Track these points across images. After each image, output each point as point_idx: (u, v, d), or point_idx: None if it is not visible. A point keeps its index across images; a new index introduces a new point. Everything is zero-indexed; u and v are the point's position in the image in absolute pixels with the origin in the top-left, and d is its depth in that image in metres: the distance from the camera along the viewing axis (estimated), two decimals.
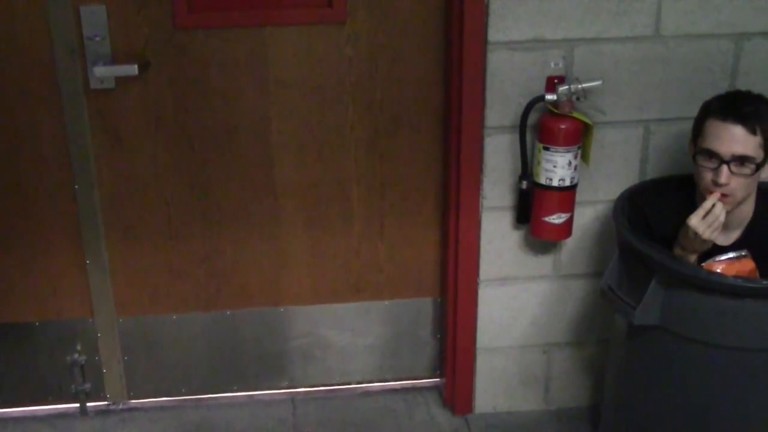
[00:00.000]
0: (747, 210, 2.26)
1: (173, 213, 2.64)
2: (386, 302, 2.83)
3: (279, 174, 2.62)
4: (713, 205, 2.13)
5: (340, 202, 2.68)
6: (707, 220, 2.13)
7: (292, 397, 2.91)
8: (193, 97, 2.51)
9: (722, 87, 2.43)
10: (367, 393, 2.93)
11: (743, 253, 2.18)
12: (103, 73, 2.42)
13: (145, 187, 2.60)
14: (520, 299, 2.71)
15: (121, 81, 2.47)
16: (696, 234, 2.13)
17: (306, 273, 2.75)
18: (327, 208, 2.68)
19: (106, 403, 2.86)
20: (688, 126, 2.28)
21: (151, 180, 2.59)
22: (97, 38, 2.41)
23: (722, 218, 2.13)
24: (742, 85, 2.44)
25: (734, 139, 2.12)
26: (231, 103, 2.53)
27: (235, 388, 2.89)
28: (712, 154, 2.15)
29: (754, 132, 2.12)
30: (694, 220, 2.14)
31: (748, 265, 2.15)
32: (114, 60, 2.43)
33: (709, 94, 2.26)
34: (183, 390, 2.87)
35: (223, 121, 2.54)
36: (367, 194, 2.67)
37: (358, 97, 2.56)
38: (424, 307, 2.85)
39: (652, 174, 2.58)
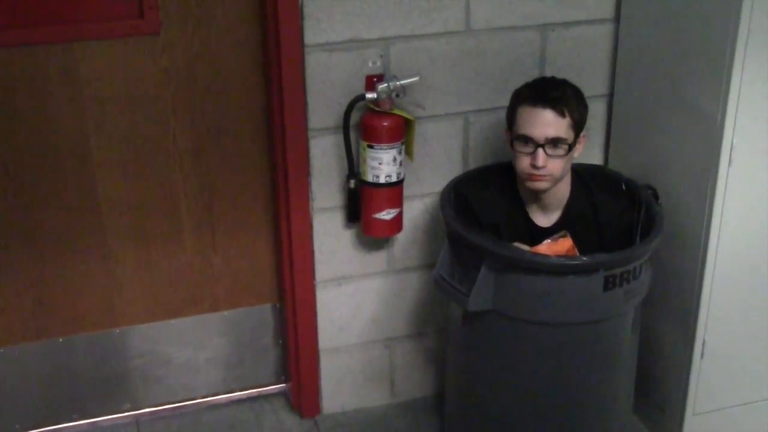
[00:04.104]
0: (564, 191, 2.37)
1: None
2: (225, 313, 2.79)
3: (103, 192, 2.54)
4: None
5: (169, 216, 2.63)
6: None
7: (137, 419, 2.83)
8: (1, 119, 2.40)
9: (533, 75, 2.52)
10: (214, 406, 2.89)
11: (562, 233, 2.28)
12: None
13: None
14: (358, 297, 2.74)
15: None
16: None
17: (139, 291, 2.69)
18: (156, 223, 2.62)
19: None
20: (504, 115, 2.36)
21: None
22: None
23: None
24: (550, 72, 2.55)
25: (546, 122, 2.22)
26: (45, 123, 2.43)
27: (75, 416, 2.78)
28: (527, 139, 2.24)
29: (563, 114, 2.22)
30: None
31: (566, 244, 2.25)
32: None
33: (521, 82, 2.35)
34: (17, 426, 2.73)
35: (37, 142, 2.44)
36: (196, 206, 2.63)
37: (178, 108, 2.51)
38: (263, 314, 2.84)
39: (474, 163, 2.66)
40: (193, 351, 2.82)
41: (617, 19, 2.63)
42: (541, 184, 2.27)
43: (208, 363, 2.85)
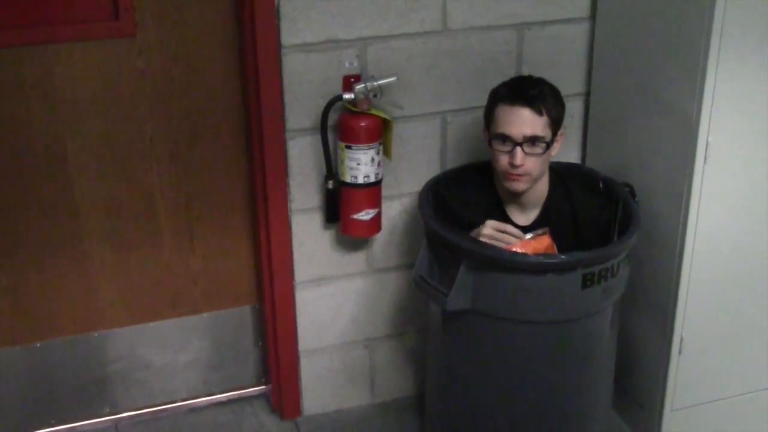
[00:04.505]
0: (542, 189, 2.38)
1: None
2: (204, 315, 2.79)
3: (80, 195, 2.53)
4: (512, 234, 2.24)
5: (147, 219, 2.61)
6: (497, 235, 2.23)
7: (116, 424, 2.81)
8: None
9: (510, 74, 2.53)
10: (194, 409, 2.88)
11: (541, 231, 2.29)
12: None
13: None
14: (338, 297, 2.73)
15: None
16: (478, 233, 2.25)
17: (118, 294, 2.67)
18: (134, 226, 2.61)
19: None
20: (482, 114, 2.37)
21: None
22: None
23: (509, 243, 2.23)
24: (527, 71, 2.56)
25: (523, 121, 2.23)
26: (20, 127, 2.41)
27: (54, 422, 2.76)
28: (505, 138, 2.25)
29: (540, 113, 2.23)
30: (488, 229, 2.24)
31: (545, 242, 2.26)
32: None
33: (498, 82, 2.36)
34: None
35: (13, 146, 2.42)
36: (174, 208, 2.62)
37: (155, 111, 2.50)
38: (243, 315, 2.83)
39: (452, 163, 2.67)
40: (173, 354, 2.81)
41: (593, 17, 2.65)
42: (519, 185, 2.28)
43: (188, 366, 2.84)
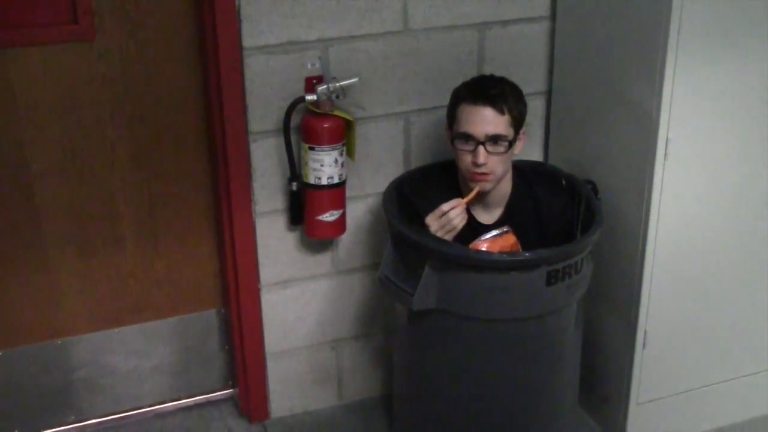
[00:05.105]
0: (506, 187, 2.39)
1: None
2: (170, 320, 2.77)
3: (41, 201, 2.50)
4: (451, 209, 2.24)
5: (110, 224, 2.59)
6: (441, 222, 2.24)
7: (81, 431, 2.79)
8: None
9: (472, 74, 2.54)
10: (161, 415, 2.86)
11: (505, 229, 2.30)
12: None
13: None
14: (304, 299, 2.73)
15: None
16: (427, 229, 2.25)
17: (81, 300, 2.65)
18: (96, 231, 2.59)
19: None
20: (445, 113, 2.38)
21: None
22: None
23: (456, 223, 2.24)
24: (489, 70, 2.58)
25: (485, 120, 2.24)
26: None
27: (18, 431, 2.73)
28: (467, 137, 2.26)
29: (502, 112, 2.25)
30: (429, 218, 2.24)
31: (509, 240, 2.27)
32: None
33: (460, 81, 2.38)
34: None
35: None
36: (137, 212, 2.60)
37: (116, 115, 2.48)
38: (208, 319, 2.82)
39: (415, 163, 2.67)
40: (138, 359, 2.79)
41: (553, 17, 2.67)
42: (483, 185, 2.29)
43: (154, 371, 2.82)
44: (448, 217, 2.24)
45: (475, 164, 2.26)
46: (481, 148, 2.25)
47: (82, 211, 2.55)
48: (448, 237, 2.25)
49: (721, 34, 2.25)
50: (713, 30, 2.24)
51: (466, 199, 2.28)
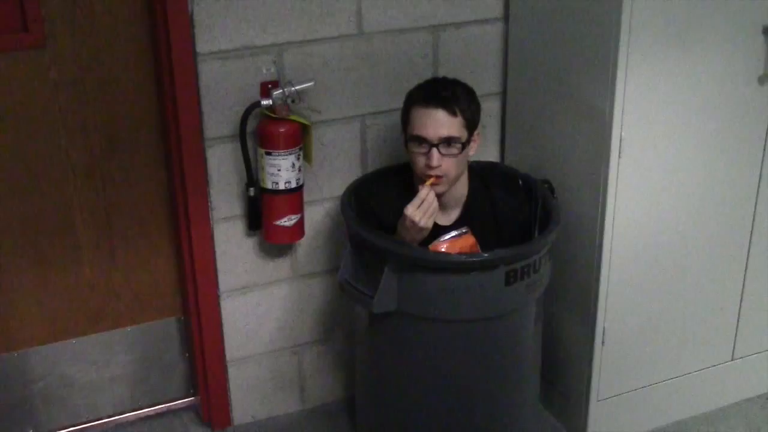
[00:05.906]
0: (462, 189, 2.40)
1: None
2: (128, 329, 2.74)
3: None
4: (427, 194, 2.25)
5: (65, 233, 2.56)
6: (422, 208, 2.24)
7: None
8: None
9: (426, 76, 2.55)
10: (121, 425, 2.83)
11: (464, 230, 2.32)
12: None
13: None
14: (264, 305, 2.72)
15: None
16: (413, 222, 2.23)
17: (37, 311, 2.61)
18: (51, 241, 2.55)
19: None
20: (400, 116, 2.38)
21: None
22: None
23: (435, 205, 2.25)
24: (443, 72, 2.58)
25: (438, 122, 2.25)
26: None
27: None
28: (421, 140, 2.27)
29: (454, 114, 2.26)
30: (411, 209, 2.24)
31: (468, 241, 2.29)
32: None
33: (415, 84, 2.38)
34: None
35: None
36: (93, 221, 2.57)
37: (69, 122, 2.46)
38: (168, 328, 2.79)
39: (373, 166, 2.68)
40: (97, 370, 2.76)
41: (506, 18, 2.68)
42: (437, 188, 2.30)
43: (114, 381, 2.79)
44: (427, 200, 2.24)
45: (429, 167, 2.27)
46: (434, 151, 2.25)
47: (36, 220, 2.52)
48: (431, 221, 2.25)
49: (672, 34, 2.28)
50: (664, 30, 2.27)
51: (428, 183, 2.27)
